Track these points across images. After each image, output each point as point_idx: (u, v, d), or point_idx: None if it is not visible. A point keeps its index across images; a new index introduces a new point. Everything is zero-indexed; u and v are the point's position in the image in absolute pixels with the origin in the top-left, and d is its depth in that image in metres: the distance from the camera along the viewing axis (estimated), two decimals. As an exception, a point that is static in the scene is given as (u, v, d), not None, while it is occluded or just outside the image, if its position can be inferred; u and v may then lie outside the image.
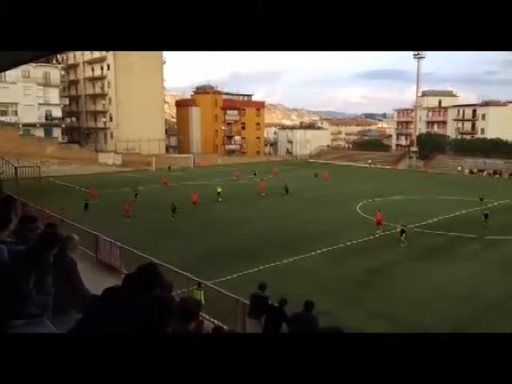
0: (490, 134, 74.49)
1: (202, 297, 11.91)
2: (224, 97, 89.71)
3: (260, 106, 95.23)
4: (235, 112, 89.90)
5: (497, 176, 62.03)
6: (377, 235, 24.38)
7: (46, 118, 66.19)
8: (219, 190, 37.59)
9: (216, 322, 10.58)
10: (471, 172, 65.17)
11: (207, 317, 10.87)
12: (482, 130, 79.15)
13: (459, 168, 66.10)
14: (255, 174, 53.07)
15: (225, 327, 8.76)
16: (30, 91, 63.24)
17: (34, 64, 59.65)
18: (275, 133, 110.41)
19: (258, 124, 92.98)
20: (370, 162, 74.68)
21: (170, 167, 61.77)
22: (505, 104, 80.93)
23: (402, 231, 23.69)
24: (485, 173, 63.73)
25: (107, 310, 2.93)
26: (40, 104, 64.86)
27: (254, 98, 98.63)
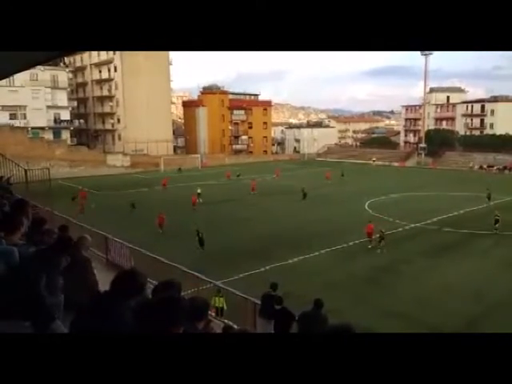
0: (499, 130, 73.81)
1: (224, 303, 11.82)
2: (231, 96, 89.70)
3: (267, 105, 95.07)
4: (242, 112, 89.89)
5: (506, 171, 61.46)
6: (369, 246, 22.72)
7: (55, 121, 66.64)
8: (199, 191, 36.79)
9: (226, 321, 10.62)
10: (481, 168, 64.62)
11: (217, 316, 10.93)
12: (491, 126, 78.45)
13: (471, 164, 65.55)
14: (238, 176, 52.15)
15: (235, 326, 8.80)
16: (38, 94, 63.68)
17: (42, 67, 60.02)
18: (282, 132, 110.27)
19: (265, 123, 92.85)
20: (374, 159, 74.12)
21: (180, 168, 61.69)
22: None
23: (381, 238, 22.57)
24: (494, 168, 63.13)
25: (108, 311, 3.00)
26: (48, 107, 65.29)
27: (260, 98, 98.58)
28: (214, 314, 10.93)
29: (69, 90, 72.02)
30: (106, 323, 2.78)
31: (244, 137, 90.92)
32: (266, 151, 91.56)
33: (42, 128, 64.38)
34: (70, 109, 70.88)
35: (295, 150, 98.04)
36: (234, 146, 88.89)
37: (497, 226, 25.69)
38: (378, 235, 22.72)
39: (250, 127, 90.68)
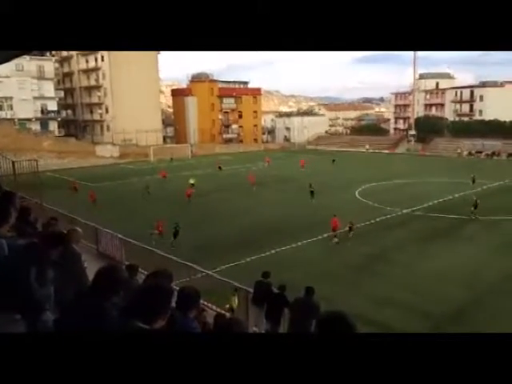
0: (488, 116, 74.24)
1: (236, 301, 11.65)
2: (220, 85, 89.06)
3: (257, 94, 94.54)
4: (232, 100, 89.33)
5: (495, 157, 62.07)
6: (334, 241, 21.78)
7: (42, 112, 65.74)
8: (192, 181, 36.22)
9: (218, 309, 10.67)
10: (470, 154, 65.14)
11: (209, 305, 10.97)
12: (480, 112, 78.84)
13: (459, 150, 66.09)
14: (220, 168, 50.62)
15: (227, 314, 8.86)
16: (24, 85, 62.68)
17: (28, 57, 59.06)
18: (272, 120, 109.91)
19: (255, 112, 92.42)
20: (367, 147, 74.63)
21: (171, 158, 60.93)
22: (502, 85, 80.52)
23: (350, 228, 22.10)
24: (483, 154, 63.67)
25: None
26: (35, 98, 64.36)
27: (250, 86, 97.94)
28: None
29: (55, 80, 70.99)
30: (89, 322, 2.78)
31: (234, 126, 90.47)
32: (256, 140, 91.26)
33: (29, 119, 63.55)
34: (57, 99, 69.92)
35: (286, 139, 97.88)
36: (224, 135, 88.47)
37: (473, 209, 26.10)
38: (348, 227, 22.12)
39: (240, 116, 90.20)
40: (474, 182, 36.52)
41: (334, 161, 54.94)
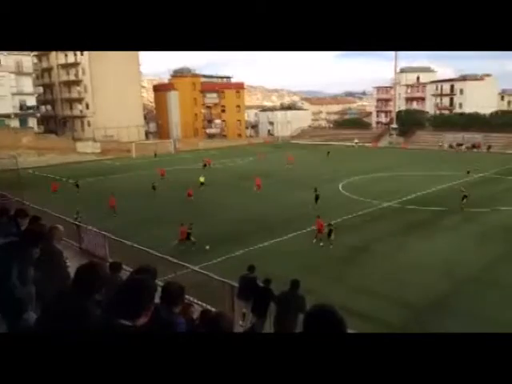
0: (468, 109, 75.44)
1: None
2: (202, 79, 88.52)
3: (240, 88, 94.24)
4: (214, 95, 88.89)
5: (475, 150, 63.15)
6: (321, 244, 20.55)
7: (21, 108, 64.42)
8: (202, 179, 36.23)
9: (204, 304, 10.65)
10: (450, 147, 66.12)
11: (195, 300, 10.94)
12: (460, 105, 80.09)
13: (440, 143, 67.11)
14: (205, 166, 48.55)
15: (213, 309, 8.85)
16: (2, 81, 61.34)
17: (6, 52, 57.76)
18: (256, 115, 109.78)
19: (238, 106, 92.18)
20: (356, 141, 74.30)
21: (155, 154, 60.43)
22: (482, 78, 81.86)
23: (330, 231, 20.48)
24: (463, 147, 64.70)
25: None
26: (13, 94, 63.06)
27: (233, 80, 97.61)
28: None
29: (34, 75, 69.59)
30: (70, 320, 2.76)
31: (217, 120, 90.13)
32: (240, 135, 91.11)
33: (8, 116, 62.24)
34: (36, 95, 68.60)
35: (269, 133, 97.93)
36: (207, 130, 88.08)
37: (464, 201, 26.55)
38: (326, 229, 20.84)
39: (223, 110, 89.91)
40: (468, 172, 38.18)
41: (328, 153, 57.22)
